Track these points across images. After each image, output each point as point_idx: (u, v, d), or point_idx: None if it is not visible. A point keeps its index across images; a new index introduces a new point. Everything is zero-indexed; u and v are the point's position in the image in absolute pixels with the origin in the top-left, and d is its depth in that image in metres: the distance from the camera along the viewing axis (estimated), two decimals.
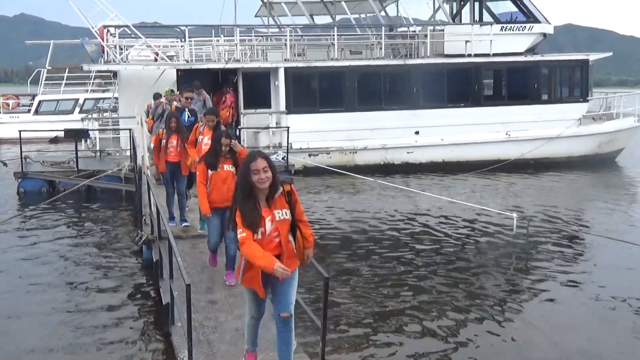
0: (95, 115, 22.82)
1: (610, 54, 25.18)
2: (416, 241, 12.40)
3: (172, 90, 15.26)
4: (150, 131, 14.33)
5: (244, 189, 5.12)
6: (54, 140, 27.47)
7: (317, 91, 21.10)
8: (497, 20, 22.41)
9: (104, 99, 30.90)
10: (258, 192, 5.13)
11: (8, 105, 33.16)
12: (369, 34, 24.08)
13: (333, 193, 17.57)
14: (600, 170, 21.28)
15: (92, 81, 32.53)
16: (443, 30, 22.24)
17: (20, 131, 17.37)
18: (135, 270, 10.44)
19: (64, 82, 32.16)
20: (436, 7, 23.91)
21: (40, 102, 31.92)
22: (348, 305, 8.75)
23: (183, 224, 10.46)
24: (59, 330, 7.96)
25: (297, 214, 5.29)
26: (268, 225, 5.15)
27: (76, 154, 17.26)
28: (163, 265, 8.24)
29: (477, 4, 23.16)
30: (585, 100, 22.42)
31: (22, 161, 17.27)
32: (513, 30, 22.05)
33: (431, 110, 20.94)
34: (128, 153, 17.73)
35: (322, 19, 27.49)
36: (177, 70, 19.65)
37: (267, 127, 19.94)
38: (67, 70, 32.53)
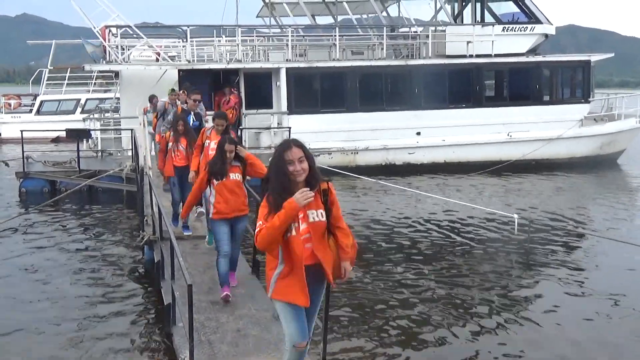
0: (96, 116, 22.84)
1: (612, 55, 25.19)
2: (417, 242, 12.40)
3: (173, 90, 15.27)
4: (154, 129, 14.41)
5: (283, 180, 4.31)
6: (56, 140, 27.50)
7: (318, 92, 21.08)
8: (498, 20, 22.41)
9: (105, 99, 30.93)
10: (292, 186, 4.34)
11: (10, 105, 33.21)
12: (370, 35, 24.03)
13: None
14: (601, 171, 21.28)
15: (93, 81, 32.57)
16: (444, 30, 22.27)
17: (22, 131, 17.44)
18: (137, 270, 10.47)
19: (66, 82, 32.18)
20: (438, 8, 23.89)
21: (42, 102, 31.97)
22: (349, 306, 8.73)
23: (186, 232, 10.18)
24: (59, 330, 7.97)
25: (333, 217, 4.50)
26: (302, 226, 4.38)
27: (78, 154, 17.32)
28: (165, 266, 8.27)
29: (478, 5, 23.16)
30: (587, 101, 22.40)
31: (23, 161, 17.28)
32: (515, 31, 22.04)
33: (433, 111, 20.93)
34: (129, 153, 17.77)
35: (324, 20, 27.53)
36: (179, 71, 19.66)
37: (269, 128, 19.92)
38: (68, 70, 32.55)
